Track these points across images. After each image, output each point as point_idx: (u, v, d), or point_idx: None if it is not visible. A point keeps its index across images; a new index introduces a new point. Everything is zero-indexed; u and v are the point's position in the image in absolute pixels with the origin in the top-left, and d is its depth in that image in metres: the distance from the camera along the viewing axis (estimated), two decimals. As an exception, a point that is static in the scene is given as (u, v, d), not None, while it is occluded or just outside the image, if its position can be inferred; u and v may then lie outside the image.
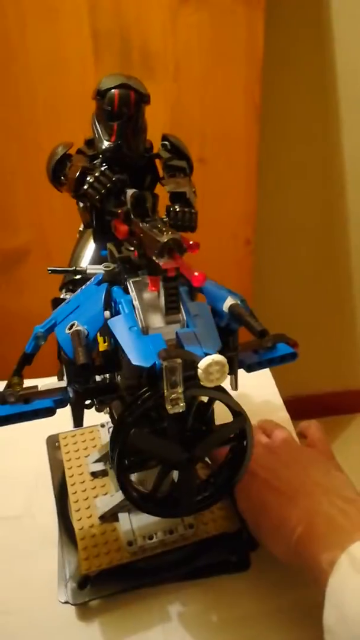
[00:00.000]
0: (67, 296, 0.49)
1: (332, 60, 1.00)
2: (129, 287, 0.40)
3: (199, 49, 0.79)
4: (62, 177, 0.45)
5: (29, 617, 0.54)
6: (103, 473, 0.63)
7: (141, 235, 0.36)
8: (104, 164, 0.43)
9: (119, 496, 0.58)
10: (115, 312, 0.40)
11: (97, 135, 0.45)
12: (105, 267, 0.44)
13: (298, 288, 1.36)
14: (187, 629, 0.52)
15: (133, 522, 0.57)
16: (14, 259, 0.87)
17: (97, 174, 0.41)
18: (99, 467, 0.63)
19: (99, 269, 0.44)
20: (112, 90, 0.43)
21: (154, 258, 0.33)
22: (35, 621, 0.54)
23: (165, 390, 0.33)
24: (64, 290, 0.50)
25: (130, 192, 0.40)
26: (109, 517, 0.58)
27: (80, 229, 0.53)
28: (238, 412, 0.38)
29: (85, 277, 0.45)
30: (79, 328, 0.37)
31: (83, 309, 0.40)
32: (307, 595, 0.51)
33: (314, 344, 1.41)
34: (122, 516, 0.58)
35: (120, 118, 0.44)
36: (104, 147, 0.45)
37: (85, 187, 0.41)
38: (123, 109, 0.43)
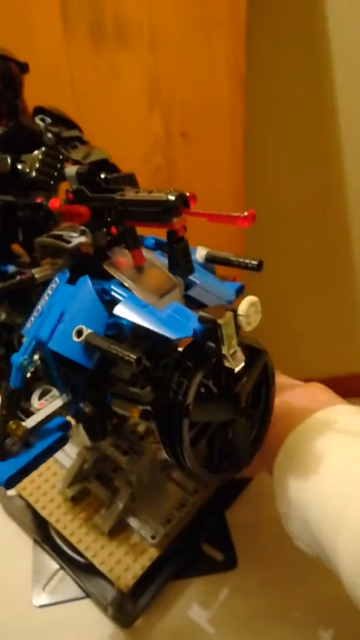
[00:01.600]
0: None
1: (323, 22, 0.87)
2: (109, 270, 0.36)
3: (177, 14, 0.70)
4: None
5: (4, 619, 0.52)
6: (83, 493, 0.57)
7: (119, 207, 0.33)
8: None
9: (117, 504, 0.54)
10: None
11: None
12: (53, 264, 0.40)
13: (295, 269, 1.20)
14: (176, 627, 0.51)
15: (145, 516, 0.54)
16: None
17: (41, 157, 0.35)
18: (76, 489, 0.57)
19: (47, 270, 0.39)
20: None
21: (160, 222, 0.31)
22: (10, 624, 0.52)
23: (224, 348, 0.32)
24: None
25: (72, 169, 0.35)
26: (116, 528, 0.54)
27: None
28: (259, 350, 0.39)
29: (34, 284, 0.39)
30: (89, 331, 0.33)
31: (73, 312, 0.35)
32: (294, 595, 0.52)
33: (316, 328, 1.30)
34: (132, 519, 0.54)
35: (7, 96, 0.37)
36: None
37: (33, 174, 0.35)
38: (8, 85, 0.37)
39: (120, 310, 0.34)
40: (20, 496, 0.59)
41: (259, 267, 0.37)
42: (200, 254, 0.40)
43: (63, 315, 0.35)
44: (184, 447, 0.34)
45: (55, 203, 0.38)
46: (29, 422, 0.38)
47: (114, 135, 0.44)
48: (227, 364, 0.32)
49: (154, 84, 0.71)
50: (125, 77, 0.69)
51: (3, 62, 0.37)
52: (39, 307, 0.37)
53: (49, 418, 0.39)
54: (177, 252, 0.32)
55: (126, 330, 0.36)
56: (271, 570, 0.55)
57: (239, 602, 0.53)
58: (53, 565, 0.56)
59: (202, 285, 0.36)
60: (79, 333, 0.33)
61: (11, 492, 0.61)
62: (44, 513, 0.56)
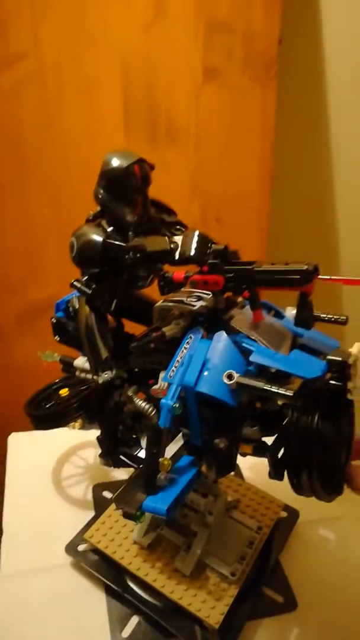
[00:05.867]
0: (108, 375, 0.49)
1: (330, 133, 1.12)
2: (236, 327, 0.45)
3: (219, 122, 0.87)
4: (131, 255, 0.44)
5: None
6: (157, 541, 0.61)
7: (256, 276, 0.41)
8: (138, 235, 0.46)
9: (196, 547, 0.58)
10: None
11: (117, 212, 0.46)
12: (175, 323, 0.47)
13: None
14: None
15: (222, 556, 0.59)
16: (42, 309, 0.87)
17: (197, 239, 0.43)
18: (150, 537, 0.61)
19: (174, 329, 0.47)
20: (133, 166, 0.45)
21: (294, 286, 0.40)
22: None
23: (350, 383, 0.40)
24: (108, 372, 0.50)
25: (213, 247, 0.43)
26: (195, 569, 0.58)
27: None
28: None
29: (165, 339, 0.46)
30: (239, 374, 0.40)
31: (216, 361, 0.42)
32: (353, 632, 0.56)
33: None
34: (210, 560, 0.58)
35: (143, 190, 0.46)
36: (132, 221, 0.46)
37: (192, 253, 0.43)
38: (145, 182, 0.46)
39: (257, 358, 0.42)
40: (94, 550, 0.62)
41: (346, 322, 0.47)
42: (290, 312, 0.49)
43: (206, 363, 0.42)
44: (313, 472, 0.41)
45: (180, 275, 0.46)
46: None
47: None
48: (349, 396, 0.41)
49: (196, 177, 0.86)
50: (173, 170, 0.83)
51: (142, 163, 0.46)
52: (178, 358, 0.44)
53: (179, 453, 0.45)
54: (306, 309, 0.41)
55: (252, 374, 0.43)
56: (330, 610, 0.59)
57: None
58: (127, 612, 0.58)
59: (309, 335, 0.45)
60: (230, 377, 0.40)
61: (82, 547, 0.63)
62: (123, 563, 0.59)
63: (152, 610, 0.57)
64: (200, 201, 0.90)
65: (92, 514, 0.68)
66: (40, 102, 0.83)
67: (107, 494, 0.72)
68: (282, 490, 0.67)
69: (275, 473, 0.44)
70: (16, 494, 0.73)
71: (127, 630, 0.56)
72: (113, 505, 0.66)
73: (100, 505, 0.69)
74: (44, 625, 0.57)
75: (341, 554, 0.66)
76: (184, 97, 0.86)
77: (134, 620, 0.57)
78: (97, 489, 0.73)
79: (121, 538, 0.62)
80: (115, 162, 0.46)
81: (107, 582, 0.59)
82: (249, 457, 0.48)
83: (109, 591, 0.60)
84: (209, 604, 0.56)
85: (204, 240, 0.44)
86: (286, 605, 0.59)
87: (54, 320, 0.59)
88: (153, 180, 0.48)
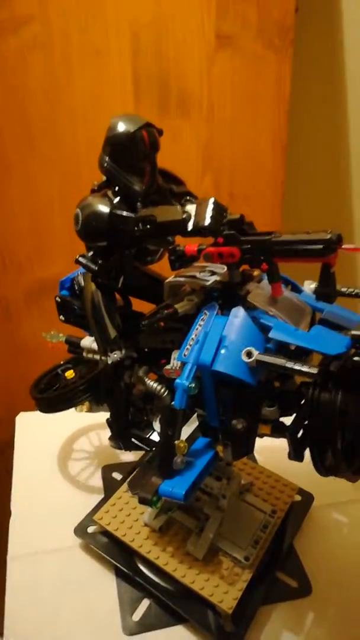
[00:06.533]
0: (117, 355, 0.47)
1: (348, 103, 1.06)
2: (253, 302, 0.42)
3: (232, 92, 0.84)
4: (140, 226, 0.42)
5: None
6: (168, 524, 0.60)
7: (275, 247, 0.39)
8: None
9: (209, 530, 0.57)
10: None
11: (124, 181, 0.44)
12: (188, 300, 0.45)
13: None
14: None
15: (235, 540, 0.57)
16: (49, 287, 0.83)
17: (213, 207, 0.40)
18: (161, 520, 0.59)
19: (186, 305, 0.44)
20: (141, 131, 0.43)
21: (317, 257, 0.37)
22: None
23: None
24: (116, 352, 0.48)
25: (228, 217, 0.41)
26: (208, 553, 0.57)
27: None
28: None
29: (177, 316, 0.43)
30: (258, 352, 0.38)
31: (233, 338, 0.40)
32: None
33: None
34: (223, 544, 0.57)
35: (152, 157, 0.43)
36: (140, 190, 0.44)
37: (207, 222, 0.40)
38: (154, 148, 0.43)
39: (276, 334, 0.39)
40: (104, 533, 0.60)
41: None
42: (308, 286, 0.47)
43: (222, 340, 0.40)
44: (337, 450, 0.39)
45: (192, 248, 0.44)
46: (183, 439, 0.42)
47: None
48: None
49: (208, 151, 0.83)
50: (184, 143, 0.80)
51: (150, 128, 0.43)
52: (192, 336, 0.41)
53: (195, 435, 0.43)
54: (329, 282, 0.39)
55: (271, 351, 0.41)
56: (345, 594, 0.58)
57: (323, 627, 0.55)
58: (137, 595, 0.57)
59: (330, 310, 0.43)
60: (249, 354, 0.38)
61: (92, 529, 0.62)
62: (134, 545, 0.58)
63: (163, 593, 0.55)
64: (212, 175, 0.87)
65: (101, 495, 0.67)
66: (46, 71, 0.80)
67: (116, 476, 0.70)
68: (295, 473, 0.67)
69: (296, 454, 0.42)
70: (24, 475, 0.72)
71: (138, 614, 0.55)
72: (123, 487, 0.64)
73: (109, 487, 0.68)
74: (53, 607, 0.56)
75: (357, 538, 0.64)
76: (196, 66, 0.82)
77: (145, 603, 0.56)
78: (107, 470, 0.71)
79: (131, 520, 0.61)
80: (122, 127, 0.43)
81: (118, 565, 0.58)
82: (260, 440, 0.46)
83: (119, 574, 0.59)
84: (222, 589, 0.54)
85: (219, 209, 0.41)
86: (300, 590, 0.58)
87: (58, 299, 0.56)
88: (163, 153, 0.45)
